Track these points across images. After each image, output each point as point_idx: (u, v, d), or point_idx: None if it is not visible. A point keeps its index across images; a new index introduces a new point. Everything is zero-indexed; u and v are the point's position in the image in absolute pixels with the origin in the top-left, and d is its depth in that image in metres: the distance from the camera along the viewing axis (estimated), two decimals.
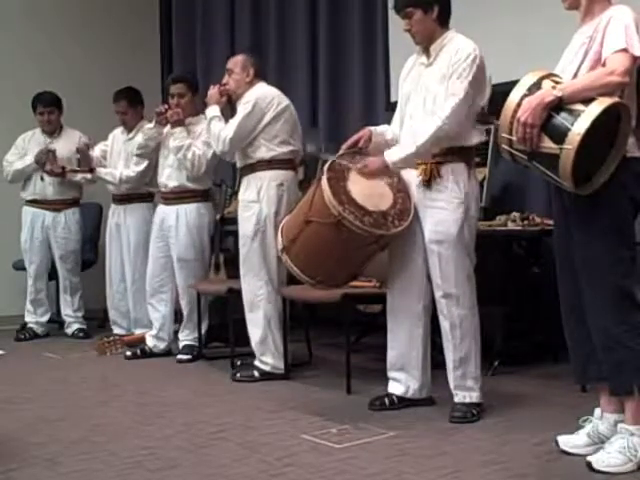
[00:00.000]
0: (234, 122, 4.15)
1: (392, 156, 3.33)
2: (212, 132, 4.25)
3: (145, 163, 5.13)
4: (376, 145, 3.53)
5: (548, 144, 2.56)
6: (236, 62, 4.31)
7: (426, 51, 3.40)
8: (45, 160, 5.62)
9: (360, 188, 3.31)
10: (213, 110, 4.28)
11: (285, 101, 4.24)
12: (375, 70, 5.57)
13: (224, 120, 4.24)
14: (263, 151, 4.16)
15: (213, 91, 4.33)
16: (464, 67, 3.25)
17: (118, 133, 5.47)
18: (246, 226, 4.20)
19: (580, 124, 2.48)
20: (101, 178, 5.40)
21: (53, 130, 5.86)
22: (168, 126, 4.80)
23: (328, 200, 3.23)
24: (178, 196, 4.85)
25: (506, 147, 2.70)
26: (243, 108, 4.15)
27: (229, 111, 4.33)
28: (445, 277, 3.32)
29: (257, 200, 4.16)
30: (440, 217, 3.32)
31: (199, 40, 7.01)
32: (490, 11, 4.69)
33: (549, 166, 2.59)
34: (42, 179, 5.76)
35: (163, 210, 4.94)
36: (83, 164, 5.40)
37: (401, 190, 3.38)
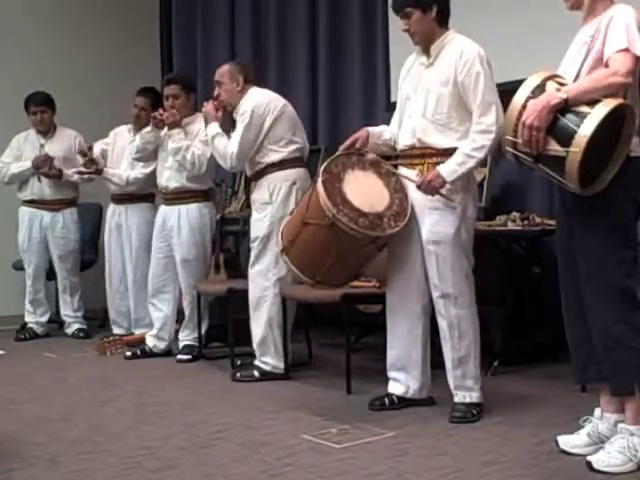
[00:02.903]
0: (236, 137, 4.13)
1: (451, 174, 3.23)
2: (217, 150, 4.23)
3: (153, 165, 5.10)
4: (374, 146, 3.52)
5: (554, 147, 2.56)
6: (223, 73, 4.27)
7: (426, 51, 3.40)
8: (43, 166, 5.65)
9: (356, 189, 3.31)
10: (213, 128, 4.25)
11: (280, 102, 4.22)
12: (375, 70, 5.57)
13: (226, 135, 4.22)
14: (271, 155, 4.15)
15: (208, 107, 4.30)
16: (478, 71, 3.23)
17: (123, 131, 5.46)
18: (259, 227, 4.19)
19: (587, 126, 2.48)
20: (107, 179, 5.39)
21: (47, 130, 5.85)
22: (165, 129, 4.80)
23: (323, 202, 3.23)
24: (179, 196, 4.85)
25: (510, 149, 2.70)
26: (241, 120, 4.13)
27: (229, 122, 4.31)
28: (442, 277, 3.33)
29: (270, 202, 4.15)
30: (437, 218, 3.32)
31: (199, 40, 7.01)
32: (490, 11, 4.69)
33: (555, 168, 2.58)
34: (39, 180, 5.76)
35: (165, 211, 4.93)
36: (88, 167, 5.38)
37: (398, 190, 3.37)
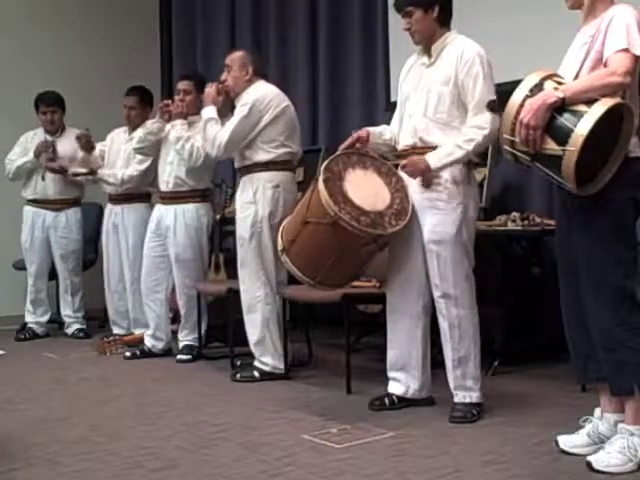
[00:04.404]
0: (229, 126, 4.10)
1: (436, 162, 3.25)
2: (207, 135, 4.20)
3: (148, 162, 5.10)
4: (374, 146, 3.53)
5: (551, 145, 2.56)
6: (234, 59, 4.23)
7: (427, 51, 3.40)
8: (45, 152, 5.63)
9: (357, 188, 3.31)
10: (209, 111, 4.22)
11: (284, 102, 4.19)
12: (375, 70, 5.57)
13: (221, 121, 4.19)
14: (260, 154, 4.13)
15: (211, 89, 4.26)
16: (478, 71, 3.24)
17: (119, 132, 5.47)
18: (243, 227, 4.19)
19: (583, 125, 2.48)
20: (102, 179, 5.39)
21: (55, 130, 5.85)
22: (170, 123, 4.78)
23: (324, 200, 3.23)
24: (176, 196, 4.83)
25: (508, 148, 2.70)
26: (240, 111, 4.10)
27: (229, 108, 4.30)
28: (443, 277, 3.33)
29: (253, 201, 4.14)
30: (438, 217, 3.32)
31: (199, 40, 7.02)
32: (491, 11, 4.69)
33: (552, 167, 2.58)
34: (43, 179, 5.76)
35: (160, 210, 4.91)
36: (84, 150, 5.38)
37: (399, 190, 3.37)
